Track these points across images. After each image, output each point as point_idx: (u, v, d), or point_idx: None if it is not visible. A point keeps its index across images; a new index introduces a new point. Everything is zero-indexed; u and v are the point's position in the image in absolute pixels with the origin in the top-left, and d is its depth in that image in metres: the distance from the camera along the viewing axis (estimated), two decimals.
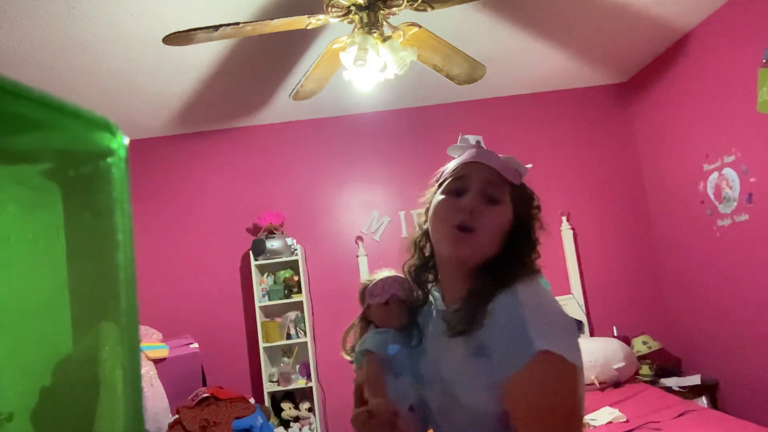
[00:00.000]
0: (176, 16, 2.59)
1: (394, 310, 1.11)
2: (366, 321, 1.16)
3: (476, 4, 2.72)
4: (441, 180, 1.05)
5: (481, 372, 0.87)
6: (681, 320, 3.92)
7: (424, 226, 1.07)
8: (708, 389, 3.49)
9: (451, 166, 1.05)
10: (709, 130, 3.38)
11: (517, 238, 0.98)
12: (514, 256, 0.96)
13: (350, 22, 2.25)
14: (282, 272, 3.98)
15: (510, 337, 0.84)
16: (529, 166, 1.04)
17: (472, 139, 1.07)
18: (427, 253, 1.09)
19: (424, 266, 1.10)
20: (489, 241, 0.95)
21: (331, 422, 3.92)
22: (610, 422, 2.71)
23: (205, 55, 3.02)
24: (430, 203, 1.04)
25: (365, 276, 1.18)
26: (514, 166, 1.01)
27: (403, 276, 1.15)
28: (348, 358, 1.13)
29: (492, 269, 0.95)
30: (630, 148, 4.24)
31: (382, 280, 1.14)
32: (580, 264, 4.09)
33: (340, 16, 2.22)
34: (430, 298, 1.12)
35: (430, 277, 1.11)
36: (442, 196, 1.01)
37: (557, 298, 4.24)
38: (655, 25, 3.31)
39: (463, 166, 1.01)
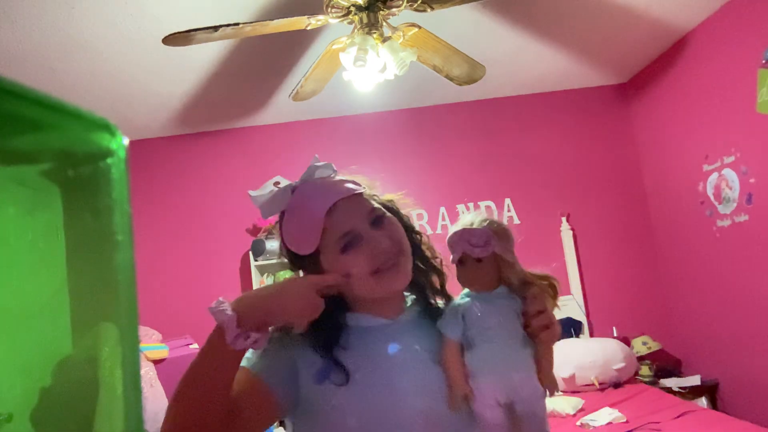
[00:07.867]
0: (176, 17, 2.59)
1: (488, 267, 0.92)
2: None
3: (476, 4, 2.72)
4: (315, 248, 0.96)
5: None
6: (681, 321, 3.92)
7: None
8: (708, 390, 3.49)
9: (304, 225, 0.97)
10: (709, 131, 3.37)
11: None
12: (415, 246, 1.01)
13: (350, 23, 2.25)
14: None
15: None
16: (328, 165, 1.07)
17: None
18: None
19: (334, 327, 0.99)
20: (407, 250, 0.97)
21: None
22: (609, 423, 2.71)
23: (205, 55, 3.02)
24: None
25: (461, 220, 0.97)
26: (350, 183, 0.99)
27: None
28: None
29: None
30: (630, 148, 4.24)
31: (477, 230, 0.91)
32: (580, 264, 4.09)
33: (339, 17, 2.22)
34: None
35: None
36: (345, 255, 0.93)
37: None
38: (655, 25, 3.31)
39: (332, 220, 0.94)
